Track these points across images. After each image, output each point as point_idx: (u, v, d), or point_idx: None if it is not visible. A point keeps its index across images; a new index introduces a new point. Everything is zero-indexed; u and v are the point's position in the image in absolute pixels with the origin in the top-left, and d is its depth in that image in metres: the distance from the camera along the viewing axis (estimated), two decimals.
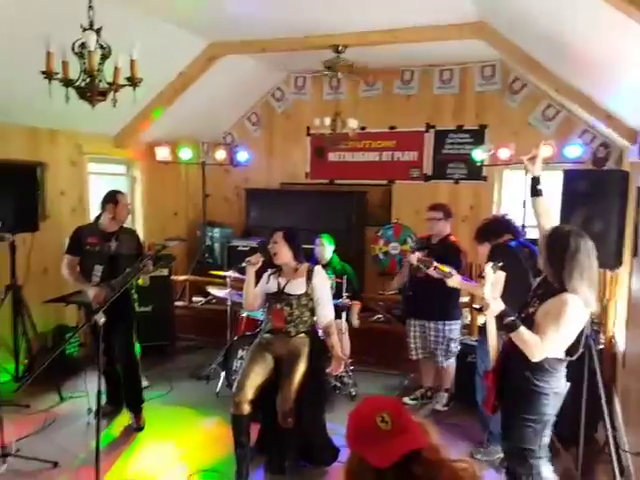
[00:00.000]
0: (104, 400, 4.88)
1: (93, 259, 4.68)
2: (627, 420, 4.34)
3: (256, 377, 3.99)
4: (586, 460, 3.98)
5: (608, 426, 3.90)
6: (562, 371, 3.08)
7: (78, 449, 4.27)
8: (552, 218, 3.48)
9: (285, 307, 4.08)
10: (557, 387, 3.05)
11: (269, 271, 4.24)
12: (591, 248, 2.95)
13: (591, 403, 3.90)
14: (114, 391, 4.97)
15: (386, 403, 1.48)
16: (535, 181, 3.55)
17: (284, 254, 4.09)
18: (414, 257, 4.39)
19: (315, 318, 4.17)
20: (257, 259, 4.15)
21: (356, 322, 5.74)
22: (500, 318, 2.98)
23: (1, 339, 5.32)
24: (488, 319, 3.15)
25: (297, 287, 4.10)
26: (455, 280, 4.04)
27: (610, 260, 3.97)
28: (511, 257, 3.98)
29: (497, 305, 2.96)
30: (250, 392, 3.93)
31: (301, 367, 4.00)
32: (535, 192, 3.54)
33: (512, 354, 3.08)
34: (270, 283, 4.19)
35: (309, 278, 4.10)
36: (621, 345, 4.91)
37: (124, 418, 4.89)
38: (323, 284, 4.16)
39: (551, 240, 3.05)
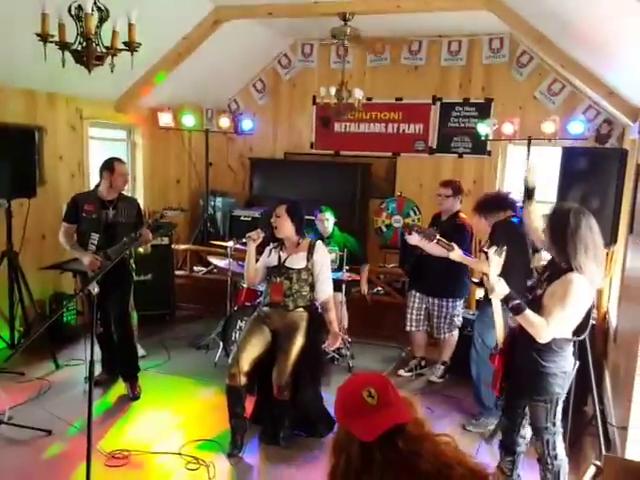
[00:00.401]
0: (100, 369, 4.91)
1: (90, 227, 4.63)
2: (615, 394, 4.40)
3: (252, 349, 3.99)
4: (574, 432, 4.02)
5: (596, 400, 4.01)
6: (569, 350, 3.08)
7: (72, 417, 4.24)
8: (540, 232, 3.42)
9: (285, 281, 4.05)
10: (565, 367, 3.05)
11: (271, 245, 4.22)
12: (593, 225, 2.92)
13: (582, 377, 3.93)
14: (110, 360, 4.97)
15: (373, 378, 1.51)
16: (530, 192, 3.61)
17: (286, 228, 4.05)
18: (413, 239, 4.37)
19: (314, 293, 4.15)
20: (258, 235, 4.12)
21: (365, 287, 5.77)
22: (505, 301, 2.96)
23: None
24: (494, 301, 3.12)
25: (298, 261, 4.07)
26: (456, 254, 4.09)
27: (605, 237, 3.94)
28: (515, 233, 4.00)
29: (502, 288, 2.94)
30: (246, 364, 3.94)
31: (298, 341, 4.00)
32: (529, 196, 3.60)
33: (519, 336, 3.08)
34: (271, 257, 4.17)
35: (310, 253, 4.07)
36: (614, 321, 4.96)
37: (120, 387, 4.88)
38: (324, 260, 4.14)
39: (552, 219, 3.02)
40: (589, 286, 2.90)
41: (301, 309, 4.08)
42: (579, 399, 4.20)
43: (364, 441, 1.40)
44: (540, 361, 3.01)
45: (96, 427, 3.36)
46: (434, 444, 1.43)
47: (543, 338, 2.92)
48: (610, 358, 4.94)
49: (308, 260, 4.06)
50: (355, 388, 1.48)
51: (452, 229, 4.86)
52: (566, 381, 3.09)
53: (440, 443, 1.44)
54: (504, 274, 3.00)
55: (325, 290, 4.13)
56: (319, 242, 4.20)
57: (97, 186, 4.82)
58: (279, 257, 4.11)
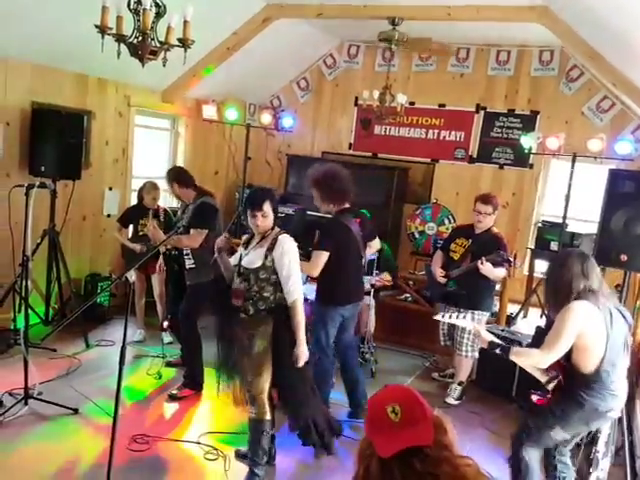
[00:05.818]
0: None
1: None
2: None
3: None
4: None
5: (625, 431, 3.88)
6: (609, 390, 2.95)
7: (100, 397, 4.29)
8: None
9: (243, 282, 3.50)
10: (599, 405, 2.95)
11: (243, 238, 3.76)
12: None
13: None
14: None
15: (400, 394, 1.50)
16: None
17: (268, 223, 3.51)
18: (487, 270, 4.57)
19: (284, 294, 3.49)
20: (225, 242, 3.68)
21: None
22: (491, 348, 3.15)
23: (34, 282, 5.40)
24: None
25: (255, 259, 3.47)
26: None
27: None
28: None
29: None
30: None
31: (257, 348, 3.46)
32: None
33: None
34: (235, 254, 3.68)
35: (269, 249, 3.44)
36: None
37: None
38: (286, 256, 3.43)
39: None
40: (589, 310, 2.90)
41: (263, 313, 3.48)
42: None
43: (381, 456, 1.41)
44: (580, 392, 2.95)
45: (122, 410, 3.40)
46: (454, 467, 1.41)
47: (541, 363, 3.01)
48: None
49: (266, 257, 3.43)
50: (382, 402, 1.48)
51: (491, 242, 4.75)
52: (593, 419, 3.00)
53: (460, 465, 1.43)
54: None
55: (288, 292, 3.45)
56: (284, 236, 3.50)
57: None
58: (240, 254, 3.59)
